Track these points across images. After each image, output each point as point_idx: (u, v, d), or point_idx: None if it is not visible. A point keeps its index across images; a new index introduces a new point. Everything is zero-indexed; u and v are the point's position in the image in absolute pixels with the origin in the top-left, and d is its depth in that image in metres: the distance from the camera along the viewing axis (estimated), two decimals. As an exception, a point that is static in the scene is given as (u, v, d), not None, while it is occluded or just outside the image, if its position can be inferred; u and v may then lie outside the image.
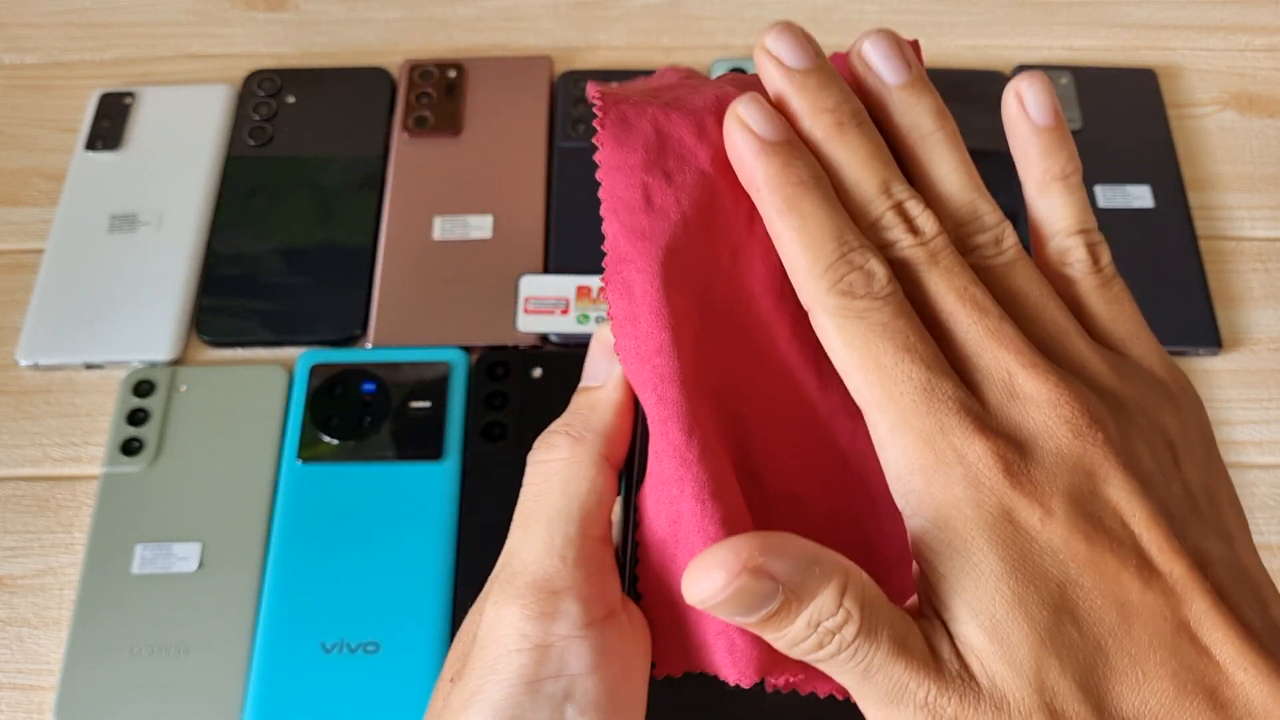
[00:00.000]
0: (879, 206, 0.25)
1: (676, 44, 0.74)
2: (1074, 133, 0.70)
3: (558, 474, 0.25)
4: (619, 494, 0.26)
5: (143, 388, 0.61)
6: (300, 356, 0.62)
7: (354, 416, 0.59)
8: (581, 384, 0.27)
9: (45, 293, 0.64)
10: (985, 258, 0.25)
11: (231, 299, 0.64)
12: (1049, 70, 0.72)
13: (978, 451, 0.23)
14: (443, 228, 0.66)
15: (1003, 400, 0.23)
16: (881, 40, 0.27)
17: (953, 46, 0.75)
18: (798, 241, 0.24)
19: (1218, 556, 0.23)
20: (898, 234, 0.25)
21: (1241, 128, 0.72)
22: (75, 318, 0.63)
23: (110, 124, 0.70)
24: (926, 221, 0.25)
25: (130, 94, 0.71)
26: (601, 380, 0.26)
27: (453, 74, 0.71)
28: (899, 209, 0.25)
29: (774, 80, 0.26)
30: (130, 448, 0.59)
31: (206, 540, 0.56)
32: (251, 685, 0.53)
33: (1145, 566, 0.22)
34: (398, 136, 0.69)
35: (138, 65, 0.74)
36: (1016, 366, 0.23)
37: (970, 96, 0.72)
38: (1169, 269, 0.65)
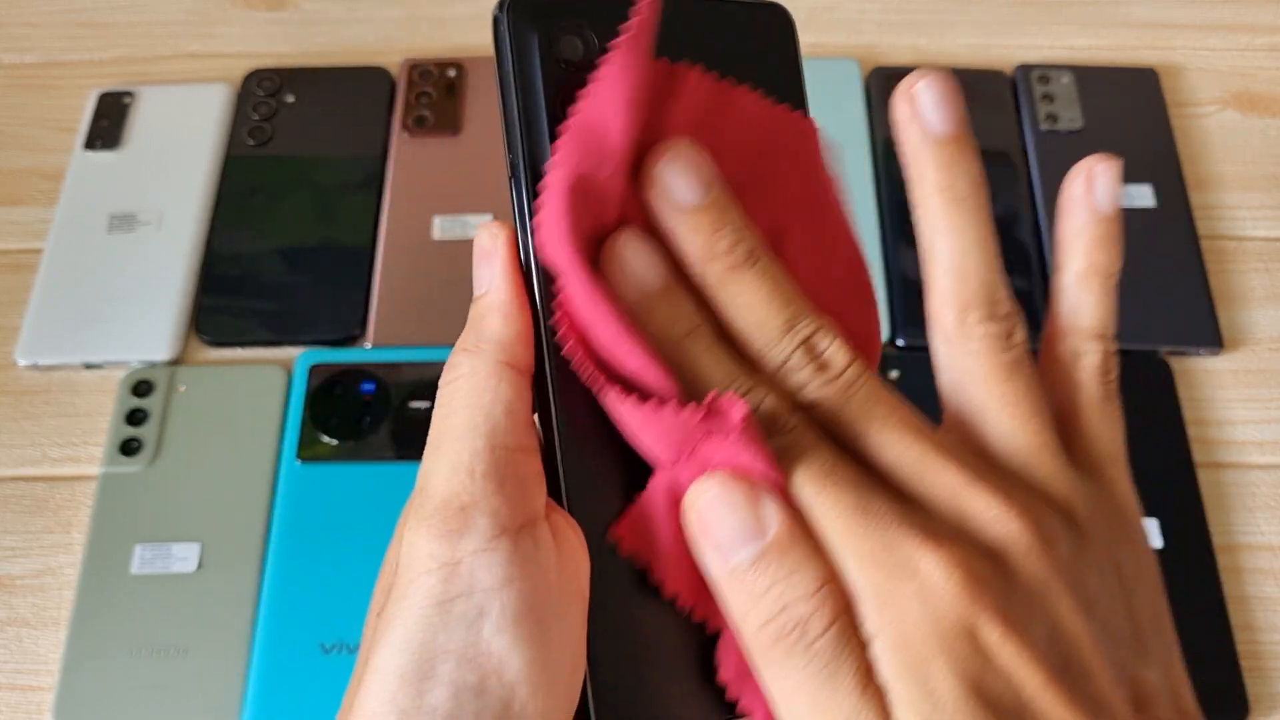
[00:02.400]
0: (784, 349, 0.24)
1: (677, 43, 0.74)
2: (1075, 132, 0.70)
3: (459, 391, 0.24)
4: (534, 397, 0.25)
5: (142, 388, 0.61)
6: (299, 356, 0.61)
7: (353, 416, 0.59)
8: (474, 296, 0.26)
9: (45, 293, 0.64)
10: (989, 351, 0.24)
11: (231, 299, 0.64)
12: (1050, 70, 0.72)
13: (931, 563, 0.21)
14: (442, 227, 0.66)
15: (949, 515, 0.22)
16: (935, 84, 0.25)
17: (954, 46, 0.75)
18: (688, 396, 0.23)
19: (1157, 689, 0.23)
20: (806, 375, 0.24)
21: (1243, 127, 0.72)
22: (74, 318, 0.63)
23: (109, 123, 0.69)
24: (837, 353, 0.24)
25: (129, 93, 0.71)
26: (486, 286, 0.25)
27: (452, 73, 0.71)
28: (806, 347, 0.24)
29: (661, 215, 0.25)
30: (129, 448, 0.59)
31: (205, 540, 0.56)
32: (250, 686, 0.53)
33: (1089, 701, 0.21)
34: (397, 136, 0.69)
35: (137, 65, 0.74)
36: (959, 484, 0.22)
37: (972, 96, 0.72)
38: (1170, 269, 0.65)
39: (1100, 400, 0.25)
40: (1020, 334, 0.24)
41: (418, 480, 0.24)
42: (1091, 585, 0.23)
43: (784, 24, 0.27)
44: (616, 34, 0.24)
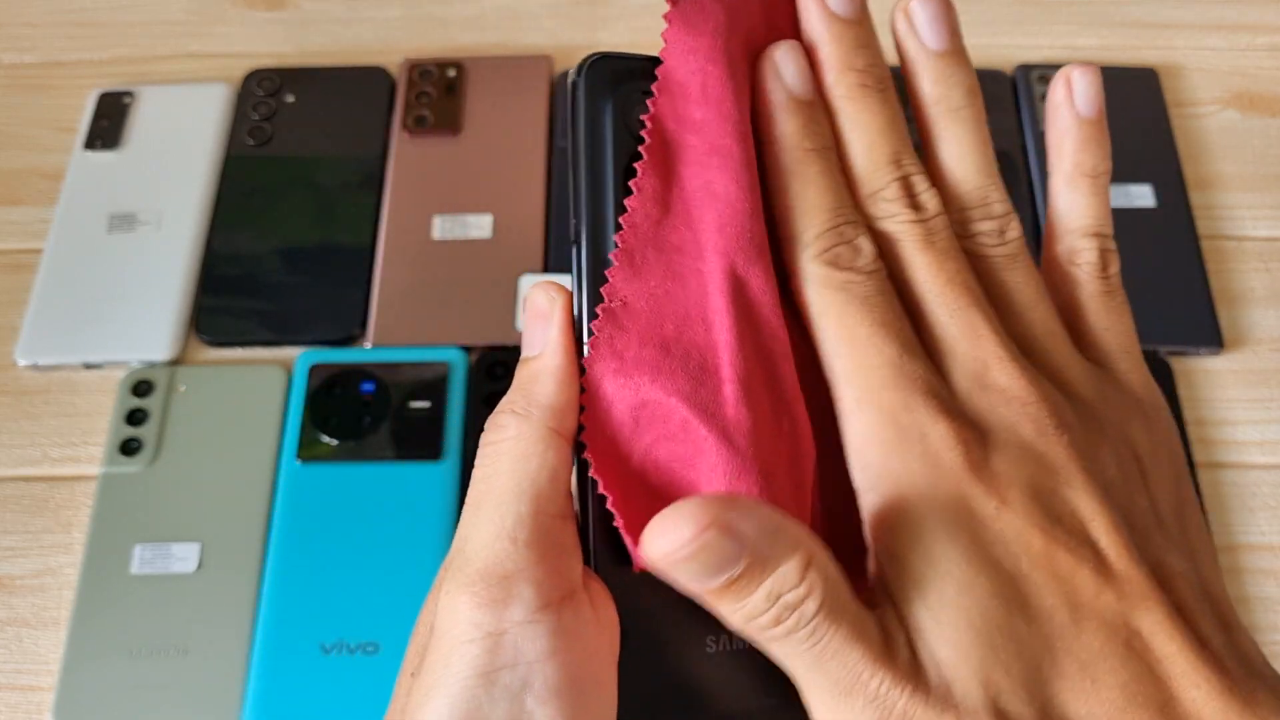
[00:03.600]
0: (884, 177, 0.25)
1: (677, 43, 0.74)
2: (1075, 132, 0.70)
3: (506, 454, 0.24)
4: (574, 466, 0.24)
5: (142, 388, 0.61)
6: (299, 356, 0.61)
7: (353, 416, 0.59)
8: (522, 356, 0.25)
9: (44, 293, 0.64)
10: (985, 246, 0.25)
11: (230, 299, 0.64)
12: (1050, 70, 0.72)
13: (940, 433, 0.22)
14: (442, 227, 0.66)
15: (972, 389, 0.23)
16: (930, 1, 0.26)
17: (953, 45, 0.75)
18: (796, 206, 0.24)
19: (1179, 572, 0.23)
20: (897, 207, 0.25)
21: (1243, 127, 0.72)
22: (74, 318, 0.63)
23: (109, 123, 0.69)
24: (930, 199, 0.25)
25: (129, 93, 0.71)
26: (539, 349, 0.25)
27: (452, 73, 0.71)
28: (904, 182, 0.25)
29: (812, 21, 0.26)
30: (129, 448, 0.59)
31: (205, 541, 0.56)
32: (250, 686, 0.53)
33: (1102, 569, 0.22)
34: (397, 136, 0.69)
35: (136, 64, 0.74)
36: (992, 359, 0.23)
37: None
38: (1170, 268, 0.65)
39: (1101, 294, 0.26)
40: (1015, 229, 0.25)
41: (455, 541, 0.24)
42: (1108, 470, 0.23)
43: None
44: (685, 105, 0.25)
